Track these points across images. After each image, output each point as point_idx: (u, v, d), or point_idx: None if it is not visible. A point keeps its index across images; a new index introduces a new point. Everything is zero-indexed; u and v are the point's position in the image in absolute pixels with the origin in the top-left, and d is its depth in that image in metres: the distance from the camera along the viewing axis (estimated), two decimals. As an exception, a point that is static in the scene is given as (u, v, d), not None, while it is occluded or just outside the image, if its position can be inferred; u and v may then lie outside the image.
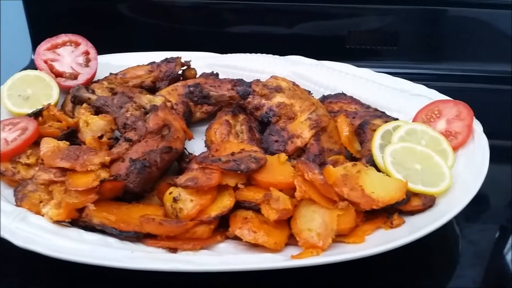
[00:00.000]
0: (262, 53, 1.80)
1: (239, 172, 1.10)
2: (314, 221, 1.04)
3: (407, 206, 1.12)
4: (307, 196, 1.05)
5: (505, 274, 1.17)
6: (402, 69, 1.90)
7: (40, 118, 1.39)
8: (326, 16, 1.97)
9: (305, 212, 1.05)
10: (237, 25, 2.01)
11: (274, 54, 1.79)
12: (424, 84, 1.60)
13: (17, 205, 1.15)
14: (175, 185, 1.13)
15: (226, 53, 1.81)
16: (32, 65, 2.02)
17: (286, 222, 1.07)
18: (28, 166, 1.25)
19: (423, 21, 1.93)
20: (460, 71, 1.95)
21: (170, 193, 1.11)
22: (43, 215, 1.11)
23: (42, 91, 1.52)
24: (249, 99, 1.41)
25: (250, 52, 1.81)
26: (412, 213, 1.13)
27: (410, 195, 1.13)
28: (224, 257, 1.01)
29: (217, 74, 1.70)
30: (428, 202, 1.13)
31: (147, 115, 1.31)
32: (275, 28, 2.01)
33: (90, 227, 1.08)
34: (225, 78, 1.65)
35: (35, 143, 1.29)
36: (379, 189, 1.10)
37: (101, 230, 1.06)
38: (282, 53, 1.79)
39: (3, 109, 1.48)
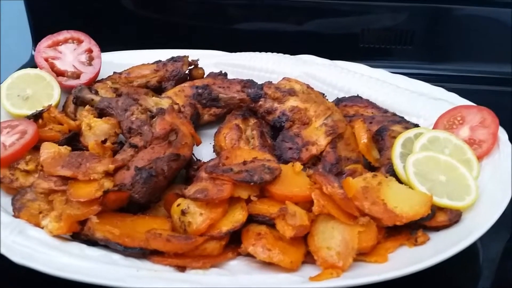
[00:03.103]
0: (271, 51, 1.73)
1: (252, 183, 1.03)
2: (333, 238, 0.96)
3: (432, 222, 1.05)
4: (325, 211, 0.97)
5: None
6: (417, 70, 1.83)
7: (40, 121, 1.31)
8: (338, 13, 1.89)
9: (323, 229, 0.98)
10: (244, 22, 1.94)
11: (284, 53, 1.72)
12: (440, 86, 1.53)
13: (15, 216, 1.08)
14: (184, 196, 1.05)
15: (233, 51, 1.74)
16: (32, 62, 1.95)
17: (302, 238, 1.00)
18: (27, 172, 1.18)
19: (439, 20, 1.85)
20: (477, 72, 1.86)
21: (178, 205, 1.04)
22: (42, 228, 1.04)
23: (43, 91, 1.44)
24: (260, 103, 1.34)
25: (259, 51, 1.73)
26: (437, 229, 1.06)
27: (435, 209, 1.05)
28: (237, 278, 0.94)
29: (225, 74, 1.63)
30: (454, 217, 1.05)
31: (153, 119, 1.24)
32: (285, 26, 1.93)
33: (92, 241, 1.01)
34: (234, 79, 1.57)
35: (35, 147, 1.22)
36: (402, 203, 1.03)
37: (105, 245, 0.99)
38: (292, 52, 1.72)
39: (1, 109, 1.41)
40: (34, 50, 1.98)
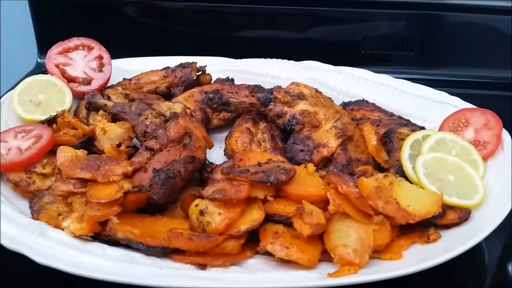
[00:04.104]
0: (273, 58, 1.76)
1: (268, 184, 1.05)
2: (349, 236, 0.99)
3: (442, 220, 1.08)
4: (341, 210, 1.00)
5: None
6: (418, 75, 1.86)
7: (54, 125, 1.33)
8: (340, 21, 1.93)
9: (339, 227, 1.01)
10: (247, 30, 1.97)
11: (286, 59, 1.75)
12: (442, 91, 1.57)
13: (33, 218, 1.10)
14: (201, 197, 1.08)
15: (236, 58, 1.77)
16: (38, 69, 1.97)
17: (318, 237, 1.03)
18: (44, 176, 1.20)
19: (440, 26, 1.89)
20: (476, 77, 1.91)
21: (196, 205, 1.06)
22: (62, 229, 1.05)
23: (55, 96, 1.46)
24: (270, 106, 1.37)
25: (261, 58, 1.77)
26: (447, 227, 1.09)
27: (446, 208, 1.09)
28: (257, 275, 0.96)
29: (232, 80, 1.66)
30: (464, 215, 1.09)
31: (168, 123, 1.26)
32: (287, 33, 1.96)
33: (113, 242, 1.03)
34: (241, 84, 1.60)
35: (50, 151, 1.24)
36: (414, 202, 1.06)
37: (125, 244, 1.01)
38: (294, 59, 1.75)
39: (14, 115, 1.42)
40: (40, 58, 2.02)
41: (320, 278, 0.95)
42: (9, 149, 1.22)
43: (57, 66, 1.54)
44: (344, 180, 1.03)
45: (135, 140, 1.32)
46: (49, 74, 1.53)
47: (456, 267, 1.07)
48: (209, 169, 1.23)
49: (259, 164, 1.12)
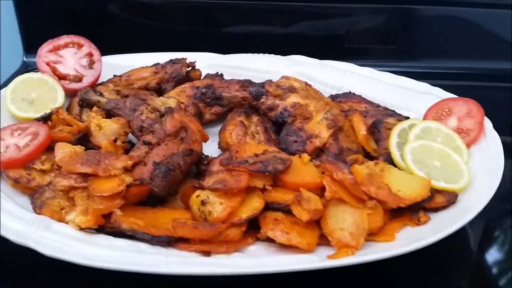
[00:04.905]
0: (259, 53, 1.80)
1: (267, 173, 1.10)
2: (345, 220, 1.04)
3: (431, 203, 1.14)
4: (337, 196, 1.05)
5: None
6: (401, 68, 1.92)
7: (49, 123, 1.35)
8: (323, 16, 1.98)
9: (335, 212, 1.06)
10: (233, 25, 2.00)
11: (271, 53, 1.79)
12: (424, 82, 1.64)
13: (36, 213, 1.12)
14: (202, 188, 1.12)
15: (223, 53, 1.80)
16: (24, 68, 1.97)
17: (315, 222, 1.07)
18: (43, 172, 1.22)
19: (420, 20, 1.96)
20: (456, 69, 1.99)
21: (198, 196, 1.10)
22: (66, 222, 1.08)
23: (47, 94, 1.47)
24: (262, 100, 1.41)
25: (247, 53, 1.80)
26: (436, 210, 1.15)
27: (434, 192, 1.15)
28: (260, 259, 1.00)
29: (221, 75, 1.69)
30: (452, 198, 1.15)
31: (163, 118, 1.29)
32: (272, 28, 2.00)
33: (117, 233, 1.06)
34: (232, 79, 1.64)
35: (48, 148, 1.25)
36: (404, 187, 1.12)
37: (130, 235, 1.04)
38: (280, 53, 1.79)
39: (7, 113, 1.43)
40: (26, 57, 2.01)
41: (320, 260, 1.00)
42: (7, 147, 1.24)
43: (47, 64, 1.55)
44: (339, 167, 1.08)
45: (130, 135, 1.35)
46: (40, 72, 1.54)
47: (442, 248, 1.13)
48: (206, 162, 1.26)
49: (256, 155, 1.16)
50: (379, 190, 1.10)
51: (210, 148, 1.42)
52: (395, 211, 1.12)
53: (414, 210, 1.14)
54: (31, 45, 1.97)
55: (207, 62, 1.75)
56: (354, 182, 1.06)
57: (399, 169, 1.21)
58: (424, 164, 1.20)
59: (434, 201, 1.14)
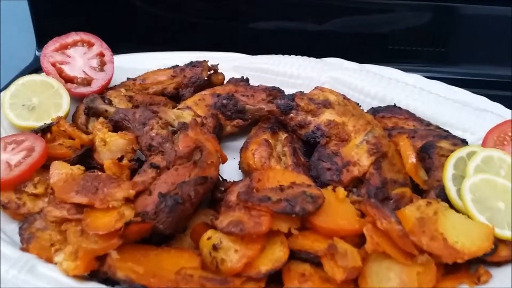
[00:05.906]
0: (289, 53, 1.62)
1: (293, 215, 0.90)
2: (390, 280, 0.85)
3: (493, 257, 0.93)
4: (380, 249, 0.85)
5: None
6: (450, 75, 1.70)
7: (48, 135, 1.19)
8: (365, 12, 1.76)
9: (377, 269, 0.86)
10: (261, 21, 1.82)
11: (303, 54, 1.61)
12: (476, 92, 1.43)
13: (23, 249, 0.96)
14: (214, 227, 0.93)
15: (249, 51, 1.63)
16: (36, 63, 1.84)
17: (352, 280, 0.88)
18: (36, 196, 1.07)
19: (476, 20, 1.71)
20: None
21: (209, 238, 0.92)
22: (55, 263, 0.91)
23: (50, 100, 1.32)
24: (291, 115, 1.21)
25: (276, 52, 1.63)
26: (499, 264, 0.94)
27: (497, 243, 0.93)
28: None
29: (247, 80, 1.51)
30: (520, 252, 0.94)
31: (176, 135, 1.11)
32: (303, 25, 1.81)
33: (112, 281, 0.89)
34: (258, 86, 1.45)
35: (43, 166, 1.10)
36: (463, 237, 0.91)
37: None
38: (311, 54, 1.61)
39: (5, 121, 1.28)
40: (38, 51, 1.87)
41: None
42: (-3, 164, 1.08)
43: (53, 64, 1.39)
44: (384, 213, 0.88)
45: (139, 152, 1.17)
46: (44, 74, 1.38)
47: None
48: (223, 188, 1.08)
49: (281, 189, 0.97)
50: (432, 242, 0.89)
51: (230, 167, 1.23)
52: (449, 264, 0.92)
53: (473, 263, 0.93)
54: (44, 38, 1.82)
55: (231, 64, 1.58)
56: (403, 234, 0.86)
57: (454, 207, 1.00)
58: (486, 205, 0.99)
59: (498, 254, 0.94)
